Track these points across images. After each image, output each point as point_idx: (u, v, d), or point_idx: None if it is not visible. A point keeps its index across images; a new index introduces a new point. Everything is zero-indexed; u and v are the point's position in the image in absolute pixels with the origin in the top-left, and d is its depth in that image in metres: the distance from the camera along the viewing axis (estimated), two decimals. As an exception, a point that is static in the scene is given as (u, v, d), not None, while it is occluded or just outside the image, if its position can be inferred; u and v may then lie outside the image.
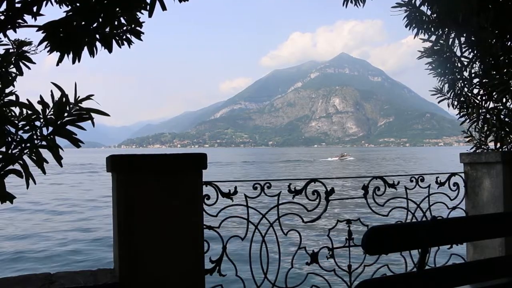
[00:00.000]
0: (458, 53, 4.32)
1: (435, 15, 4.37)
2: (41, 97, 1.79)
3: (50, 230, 16.45)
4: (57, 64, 2.07)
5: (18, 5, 1.92)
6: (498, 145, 4.16)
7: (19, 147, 1.78)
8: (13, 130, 1.79)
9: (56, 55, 2.05)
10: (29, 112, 1.80)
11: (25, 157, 1.80)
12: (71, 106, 1.82)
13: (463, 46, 4.27)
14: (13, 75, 2.11)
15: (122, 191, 2.33)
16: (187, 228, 2.43)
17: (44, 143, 1.80)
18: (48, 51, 2.06)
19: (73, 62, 2.07)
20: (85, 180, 42.37)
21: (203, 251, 2.49)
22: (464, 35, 4.25)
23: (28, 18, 2.04)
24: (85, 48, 2.08)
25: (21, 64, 2.22)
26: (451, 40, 4.33)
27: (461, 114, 4.45)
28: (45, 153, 1.82)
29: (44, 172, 1.84)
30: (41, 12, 2.03)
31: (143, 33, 2.26)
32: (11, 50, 2.22)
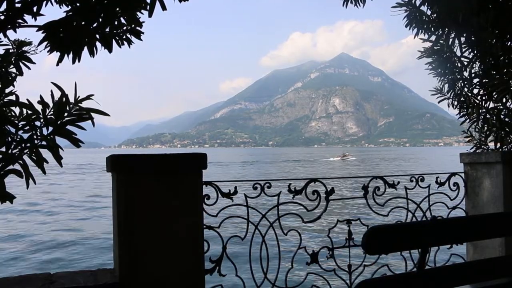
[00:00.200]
0: (458, 53, 4.32)
1: (435, 15, 4.37)
2: (41, 97, 1.79)
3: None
4: (57, 64, 2.07)
5: (18, 5, 1.92)
6: (498, 145, 4.16)
7: (19, 147, 1.78)
8: (13, 130, 1.79)
9: (56, 55, 2.05)
10: (29, 112, 1.80)
11: (25, 157, 1.80)
12: (71, 106, 1.82)
13: (463, 46, 4.27)
14: (13, 75, 2.11)
15: (122, 191, 2.33)
16: (187, 228, 2.43)
17: (44, 143, 1.80)
18: (48, 51, 2.06)
19: (73, 62, 2.07)
20: (80, 180, 42.19)
21: (203, 251, 2.49)
22: (464, 35, 4.25)
23: (28, 18, 2.04)
24: (85, 48, 2.09)
25: (21, 64, 2.22)
26: (451, 40, 4.33)
27: (461, 114, 4.45)
28: (45, 153, 1.82)
29: (44, 172, 1.84)
30: (41, 12, 2.03)
31: (143, 33, 2.26)
32: (11, 50, 2.22)
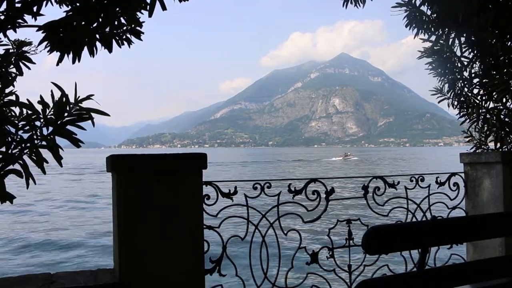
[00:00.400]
0: (458, 53, 4.32)
1: (435, 15, 4.37)
2: (41, 97, 1.79)
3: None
4: (57, 64, 2.07)
5: (18, 5, 1.92)
6: (498, 145, 4.16)
7: (19, 147, 1.78)
8: (13, 130, 1.79)
9: (56, 55, 2.05)
10: (29, 112, 1.80)
11: (25, 157, 1.80)
12: (71, 106, 1.82)
13: (463, 46, 4.28)
14: (13, 75, 2.11)
15: (122, 191, 2.33)
16: (187, 228, 2.43)
17: (44, 143, 1.80)
18: (48, 51, 2.06)
19: (73, 62, 2.07)
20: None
21: (203, 251, 2.49)
22: (464, 35, 4.25)
23: (28, 18, 2.04)
24: (85, 48, 2.09)
25: (21, 64, 2.22)
26: (451, 40, 4.33)
27: (461, 114, 4.45)
28: (45, 153, 1.82)
29: (44, 172, 1.84)
30: (41, 12, 2.03)
31: (143, 33, 2.26)
32: (11, 50, 2.22)
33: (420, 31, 4.46)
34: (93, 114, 1.84)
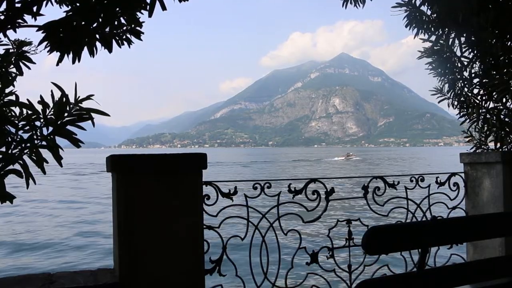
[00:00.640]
0: (458, 53, 4.32)
1: (435, 15, 4.37)
2: (41, 97, 1.79)
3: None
4: (57, 64, 2.07)
5: (18, 5, 1.92)
6: (498, 145, 4.16)
7: (19, 147, 1.78)
8: (13, 130, 1.79)
9: (56, 55, 2.05)
10: (29, 112, 1.80)
11: (25, 157, 1.80)
12: (71, 106, 1.82)
13: (463, 46, 4.28)
14: (13, 75, 2.11)
15: (122, 191, 2.33)
16: (187, 228, 2.43)
17: (44, 143, 1.80)
18: (48, 51, 2.06)
19: (73, 62, 2.07)
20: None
21: (203, 251, 2.49)
22: (464, 35, 4.25)
23: (28, 18, 2.04)
24: (85, 48, 2.09)
25: (21, 64, 2.22)
26: (451, 40, 4.33)
27: (461, 114, 4.45)
28: (45, 153, 1.82)
29: (44, 172, 1.84)
30: (41, 12, 2.03)
31: (143, 33, 2.26)
32: (11, 50, 2.22)
33: (420, 31, 4.46)
34: (93, 114, 1.84)
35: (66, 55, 2.06)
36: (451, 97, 4.48)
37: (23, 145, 1.78)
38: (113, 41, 2.17)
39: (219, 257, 2.72)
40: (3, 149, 1.76)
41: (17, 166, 1.79)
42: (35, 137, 1.80)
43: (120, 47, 2.23)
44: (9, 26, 1.98)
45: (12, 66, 2.17)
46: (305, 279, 2.96)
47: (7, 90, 1.85)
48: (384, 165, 65.94)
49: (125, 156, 2.33)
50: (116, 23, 2.14)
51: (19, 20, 2.02)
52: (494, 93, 4.13)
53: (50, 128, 1.80)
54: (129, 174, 2.34)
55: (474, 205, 3.56)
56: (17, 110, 1.84)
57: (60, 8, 2.12)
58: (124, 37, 2.22)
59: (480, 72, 4.28)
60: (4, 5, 1.88)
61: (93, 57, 2.14)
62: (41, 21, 2.02)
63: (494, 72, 4.09)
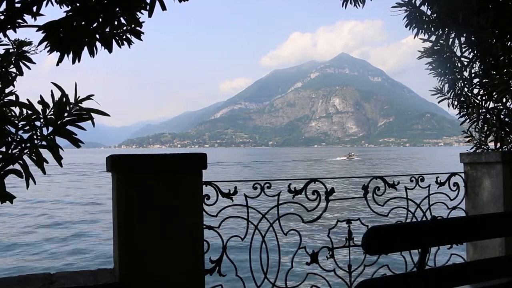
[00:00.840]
0: (458, 53, 4.32)
1: (435, 15, 4.37)
2: (41, 97, 1.79)
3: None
4: (57, 64, 2.07)
5: (18, 5, 1.92)
6: (498, 145, 4.16)
7: (19, 147, 1.78)
8: (13, 130, 1.79)
9: (56, 55, 2.05)
10: (29, 112, 1.80)
11: (25, 157, 1.80)
12: (71, 106, 1.82)
13: (463, 46, 4.27)
14: (13, 75, 2.11)
15: (122, 191, 2.33)
16: (187, 228, 2.43)
17: (44, 143, 1.80)
18: (48, 51, 2.06)
19: (73, 62, 2.07)
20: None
21: (203, 251, 2.49)
22: (464, 35, 4.25)
23: (28, 18, 2.04)
24: (85, 48, 2.09)
25: (21, 64, 2.22)
26: (451, 40, 4.33)
27: (461, 114, 4.45)
28: (45, 153, 1.82)
29: (44, 172, 1.84)
30: (41, 12, 2.03)
31: (143, 33, 2.26)
32: (11, 50, 2.22)
33: (420, 31, 4.46)
34: (93, 114, 1.84)
35: (66, 55, 2.06)
36: (451, 97, 4.48)
37: (23, 145, 1.78)
38: (113, 41, 2.17)
39: (219, 257, 2.72)
40: (3, 149, 1.76)
41: (17, 166, 1.79)
42: (35, 137, 1.79)
43: (120, 47, 2.23)
44: (9, 26, 1.98)
45: (12, 66, 2.17)
46: (305, 279, 2.96)
47: (7, 90, 1.85)
48: (386, 165, 66.13)
49: (125, 156, 2.33)
50: (116, 23, 2.14)
51: (19, 20, 2.02)
52: (494, 93, 4.13)
53: (50, 128, 1.80)
54: (129, 174, 2.34)
55: (474, 205, 3.56)
56: (17, 110, 1.84)
57: (60, 8, 2.12)
58: (124, 37, 2.22)
59: (480, 72, 4.28)
60: (4, 5, 1.88)
61: (93, 57, 2.14)
62: (41, 21, 2.02)
63: (494, 72, 4.09)
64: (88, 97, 1.83)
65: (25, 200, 24.40)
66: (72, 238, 15.69)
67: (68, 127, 1.82)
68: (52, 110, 1.80)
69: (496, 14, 3.92)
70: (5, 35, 2.08)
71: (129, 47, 2.27)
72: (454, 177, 3.59)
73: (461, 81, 4.39)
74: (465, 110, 4.41)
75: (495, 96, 4.15)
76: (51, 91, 1.79)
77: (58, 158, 1.83)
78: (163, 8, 2.03)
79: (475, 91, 4.36)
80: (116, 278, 2.32)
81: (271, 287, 2.82)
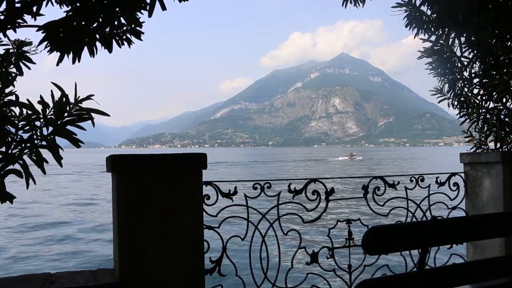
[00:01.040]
0: (458, 53, 4.33)
1: (435, 15, 4.37)
2: (41, 97, 1.79)
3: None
4: (57, 64, 2.07)
5: (18, 5, 1.92)
6: (498, 145, 4.16)
7: (19, 147, 1.78)
8: (13, 130, 1.79)
9: (56, 55, 2.05)
10: (29, 112, 1.80)
11: (25, 157, 1.80)
12: (71, 106, 1.82)
13: (463, 46, 4.28)
14: (13, 75, 2.11)
15: (122, 191, 2.33)
16: (187, 228, 2.43)
17: (44, 143, 1.80)
18: (48, 51, 2.06)
19: (73, 62, 2.07)
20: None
21: (203, 251, 2.49)
22: (464, 35, 4.25)
23: (28, 18, 2.04)
24: (85, 48, 2.09)
25: (21, 64, 2.22)
26: (451, 40, 4.33)
27: (461, 114, 4.45)
28: (45, 153, 1.82)
29: (44, 172, 1.84)
30: (41, 12, 2.03)
31: (143, 33, 2.26)
32: (11, 50, 2.22)
33: (420, 31, 4.46)
34: (93, 114, 1.84)
35: (66, 55, 2.06)
36: (451, 97, 4.48)
37: (23, 145, 1.78)
38: (113, 41, 2.17)
39: (219, 257, 2.73)
40: (3, 149, 1.76)
41: (17, 166, 1.79)
42: (35, 137, 1.79)
43: (120, 47, 2.23)
44: (9, 26, 1.98)
45: (12, 66, 2.17)
46: (305, 279, 2.96)
47: (7, 90, 1.85)
48: (387, 165, 66.22)
49: (125, 156, 2.33)
50: (116, 23, 2.14)
51: (19, 20, 2.02)
52: (494, 93, 4.12)
53: (50, 128, 1.80)
54: (129, 174, 2.34)
55: (474, 205, 3.56)
56: (17, 110, 1.84)
57: (60, 8, 2.12)
58: (124, 37, 2.22)
59: (480, 72, 4.28)
60: (4, 5, 1.88)
61: (93, 57, 2.14)
62: (41, 21, 2.02)
63: (494, 72, 4.09)
64: (88, 97, 1.83)
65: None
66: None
67: (68, 127, 1.82)
68: (52, 110, 1.80)
69: (496, 14, 3.92)
70: (5, 35, 2.08)
71: (129, 47, 2.27)
72: (454, 177, 3.59)
73: (461, 81, 4.39)
74: (465, 110, 4.41)
75: (495, 96, 4.15)
76: (51, 91, 1.80)
77: (58, 158, 1.83)
78: (163, 8, 2.03)
79: (475, 91, 4.36)
80: (116, 278, 2.32)
81: (271, 287, 2.82)
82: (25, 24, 2.04)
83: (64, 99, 1.80)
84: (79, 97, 1.83)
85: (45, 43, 2.03)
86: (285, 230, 2.99)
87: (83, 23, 2.03)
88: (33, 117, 1.80)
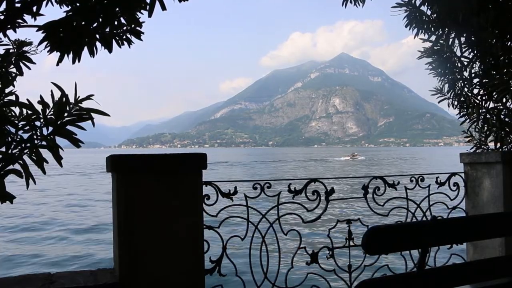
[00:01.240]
0: (458, 53, 4.33)
1: (435, 15, 4.37)
2: (41, 97, 1.79)
3: None
4: (57, 64, 2.07)
5: (18, 5, 1.92)
6: (498, 145, 4.16)
7: (19, 147, 1.78)
8: (13, 130, 1.79)
9: (56, 55, 2.05)
10: (29, 112, 1.80)
11: (25, 157, 1.80)
12: (71, 106, 1.82)
13: (463, 46, 4.28)
14: (13, 75, 2.11)
15: (122, 191, 2.33)
16: (187, 228, 2.43)
17: (44, 143, 1.80)
18: (48, 51, 2.06)
19: (73, 62, 2.07)
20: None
21: (203, 251, 2.49)
22: (464, 35, 4.25)
23: (28, 18, 2.04)
24: (85, 48, 2.09)
25: (21, 64, 2.22)
26: (451, 40, 4.33)
27: (461, 114, 4.46)
28: (45, 153, 1.82)
29: (44, 172, 1.84)
30: (41, 12, 2.03)
31: (143, 33, 2.26)
32: (11, 50, 2.22)
33: (420, 31, 4.46)
34: (93, 114, 1.84)
35: (66, 55, 2.06)
36: (451, 97, 4.48)
37: (23, 145, 1.78)
38: (113, 41, 2.17)
39: (219, 257, 2.73)
40: (3, 149, 1.76)
41: (17, 166, 1.79)
42: (35, 137, 1.79)
43: (120, 47, 2.23)
44: (9, 26, 1.98)
45: (12, 66, 2.17)
46: (305, 279, 2.96)
47: (7, 90, 1.85)
48: (388, 165, 66.27)
49: (125, 156, 2.33)
50: (116, 23, 2.14)
51: (19, 20, 2.02)
52: (494, 93, 4.13)
53: (50, 128, 1.80)
54: (129, 174, 2.34)
55: (474, 205, 3.56)
56: (17, 110, 1.84)
57: (60, 8, 2.12)
58: (124, 37, 2.22)
59: (480, 72, 4.28)
60: (4, 5, 1.88)
61: (93, 57, 2.14)
62: (41, 21, 2.02)
63: (494, 72, 4.09)
64: (88, 97, 1.83)
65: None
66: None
67: (68, 127, 1.82)
68: (52, 110, 1.80)
69: (496, 14, 3.92)
70: (5, 35, 2.08)
71: (129, 47, 2.27)
72: (454, 177, 3.59)
73: (461, 81, 4.39)
74: (465, 110, 4.41)
75: (495, 96, 4.15)
76: (51, 91, 1.80)
77: (58, 158, 1.83)
78: (163, 8, 2.03)
79: (475, 91, 4.36)
80: (116, 278, 2.32)
81: (271, 287, 2.82)
82: (25, 24, 2.04)
83: (64, 99, 1.80)
84: (79, 97, 1.83)
85: (45, 43, 2.03)
86: (285, 230, 2.99)
87: (83, 23, 2.03)
88: (33, 117, 1.80)
